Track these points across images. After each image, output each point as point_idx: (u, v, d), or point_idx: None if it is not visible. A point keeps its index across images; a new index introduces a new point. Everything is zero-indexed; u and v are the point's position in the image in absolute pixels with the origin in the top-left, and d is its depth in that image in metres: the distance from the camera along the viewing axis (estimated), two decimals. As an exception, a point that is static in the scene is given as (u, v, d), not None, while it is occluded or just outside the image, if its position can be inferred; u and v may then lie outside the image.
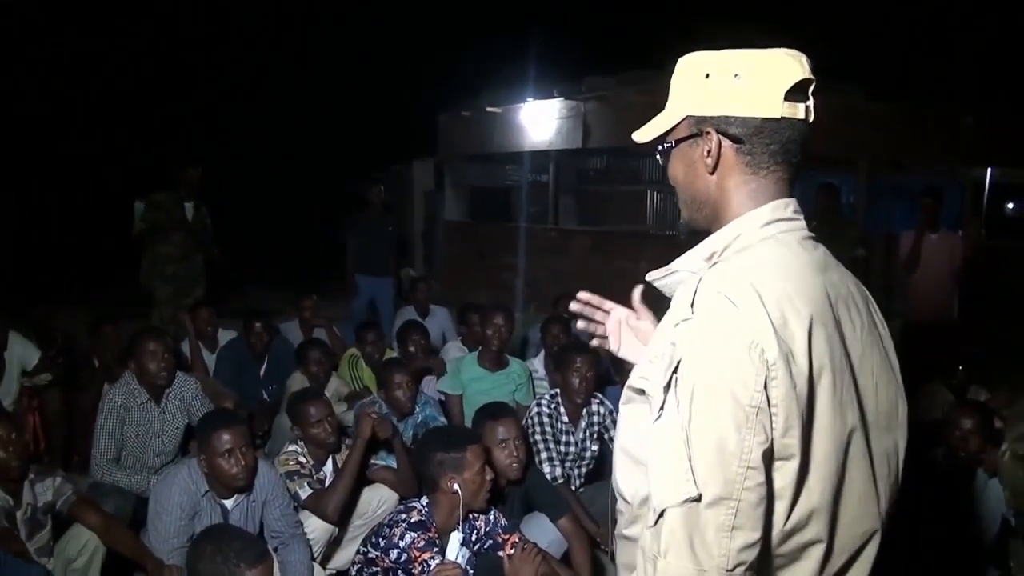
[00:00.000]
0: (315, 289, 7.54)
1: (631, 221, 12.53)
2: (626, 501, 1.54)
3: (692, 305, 1.36)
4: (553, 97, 11.91)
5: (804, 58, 1.46)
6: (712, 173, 1.51)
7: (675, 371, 1.32)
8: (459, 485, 3.20)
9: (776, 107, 1.44)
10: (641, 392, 1.46)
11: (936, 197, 7.18)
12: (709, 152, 1.49)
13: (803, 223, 1.51)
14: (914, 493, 4.02)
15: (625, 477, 1.55)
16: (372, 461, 4.21)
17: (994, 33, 13.35)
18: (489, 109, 13.20)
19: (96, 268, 7.77)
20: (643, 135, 1.60)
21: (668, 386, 1.32)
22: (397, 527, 3.13)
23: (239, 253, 14.55)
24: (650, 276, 1.60)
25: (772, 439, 1.30)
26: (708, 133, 1.48)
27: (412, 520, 3.15)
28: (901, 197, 14.21)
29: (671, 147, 1.56)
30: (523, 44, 13.80)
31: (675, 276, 1.54)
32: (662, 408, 1.33)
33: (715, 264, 1.47)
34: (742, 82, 1.45)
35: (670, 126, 1.55)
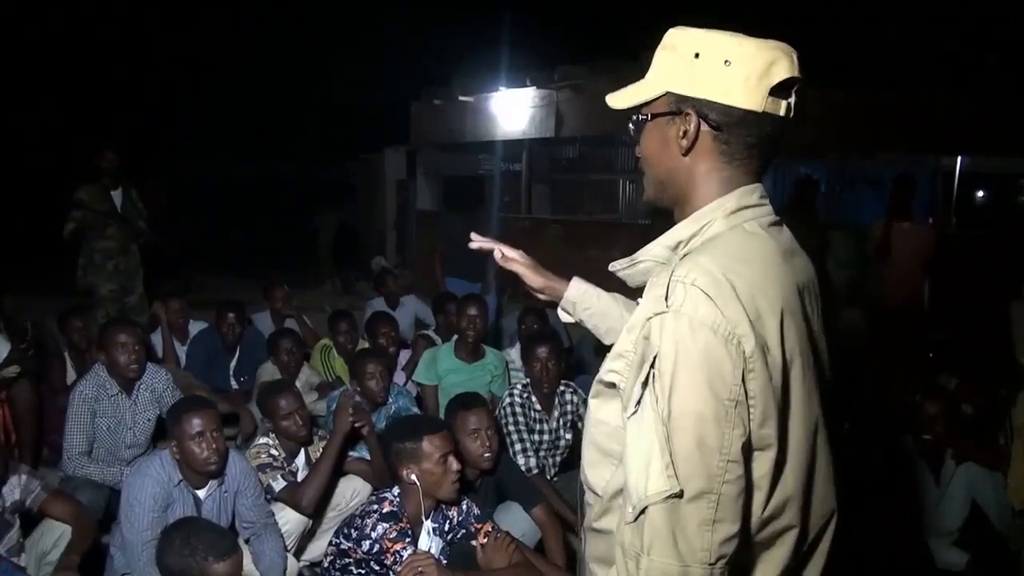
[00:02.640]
0: (287, 278, 7.48)
1: (604, 210, 12.56)
2: (596, 494, 1.55)
3: (667, 299, 1.34)
4: (526, 86, 11.90)
5: (795, 55, 1.45)
6: (685, 155, 1.49)
7: (652, 366, 1.31)
8: (416, 476, 3.19)
9: (760, 101, 1.42)
10: (611, 386, 1.46)
11: (906, 185, 7.24)
12: (685, 133, 1.46)
13: (769, 207, 1.52)
14: (883, 478, 4.08)
15: (595, 470, 1.55)
16: (348, 453, 4.19)
17: (965, 21, 13.45)
18: (461, 98, 13.17)
19: (60, 256, 7.63)
20: (620, 100, 1.56)
21: (646, 382, 1.31)
22: (369, 518, 3.12)
23: (208, 243, 14.50)
24: (614, 266, 1.60)
25: (750, 431, 1.32)
26: (688, 114, 1.45)
27: (384, 511, 3.14)
28: (872, 186, 14.31)
29: (646, 119, 1.53)
30: (495, 32, 13.77)
31: (641, 266, 1.54)
32: (639, 403, 1.32)
33: (684, 254, 1.46)
34: (731, 70, 1.42)
35: (650, 97, 1.51)
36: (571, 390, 4.75)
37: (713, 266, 1.36)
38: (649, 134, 1.53)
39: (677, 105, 1.47)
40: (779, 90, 1.43)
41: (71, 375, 5.52)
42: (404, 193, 15.30)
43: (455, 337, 5.44)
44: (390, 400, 4.76)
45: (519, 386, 4.69)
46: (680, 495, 1.27)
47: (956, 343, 7.04)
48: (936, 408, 4.05)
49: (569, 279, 2.08)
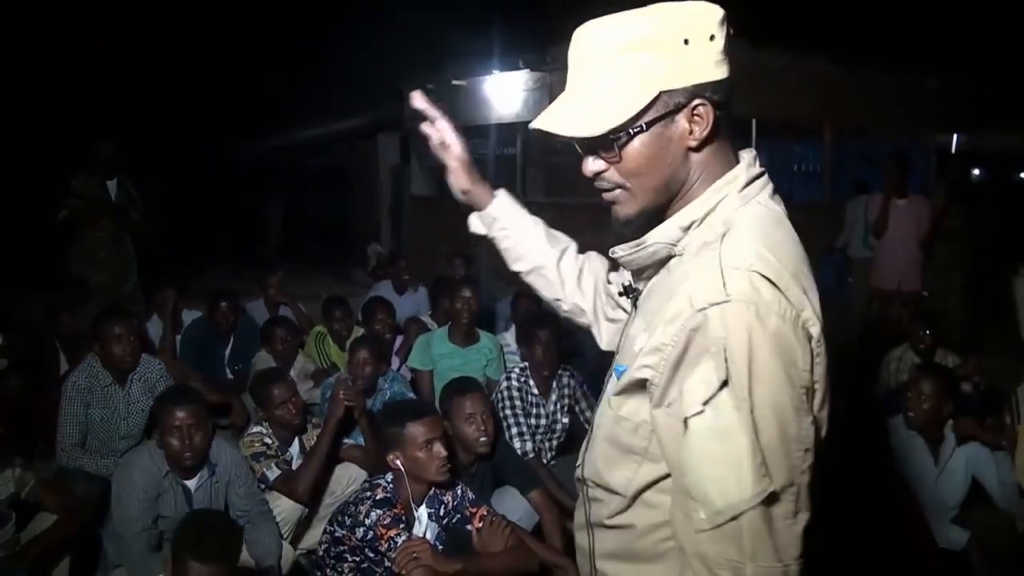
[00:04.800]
0: (281, 266, 7.44)
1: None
2: (614, 492, 1.48)
3: (725, 287, 1.26)
4: (519, 69, 11.82)
5: None
6: (698, 149, 1.39)
7: (726, 361, 1.23)
8: (400, 461, 3.17)
9: (728, 63, 1.37)
10: (641, 383, 1.38)
11: (901, 160, 7.18)
12: (696, 128, 1.35)
13: (767, 176, 1.46)
14: (881, 455, 4.06)
15: (614, 468, 1.48)
16: (344, 440, 4.17)
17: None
18: (454, 82, 13.08)
19: (55, 246, 7.59)
20: (596, 125, 1.35)
21: (725, 382, 1.23)
22: (362, 505, 3.09)
23: (200, 231, 14.43)
24: (616, 252, 1.51)
25: (814, 417, 1.29)
26: (700, 105, 1.34)
27: (377, 497, 3.11)
28: (867, 163, 14.26)
29: (639, 131, 1.35)
30: (487, 15, 13.66)
31: (649, 249, 1.44)
32: (706, 403, 1.24)
33: (695, 232, 1.39)
34: (715, 43, 1.34)
35: (641, 107, 1.33)
36: (568, 374, 4.72)
37: (763, 249, 1.31)
38: (641, 145, 1.37)
39: (675, 102, 1.34)
40: None
41: (64, 366, 5.49)
42: (398, 179, 15.23)
43: (449, 322, 5.41)
44: (384, 386, 4.73)
45: (516, 370, 4.66)
46: (772, 493, 1.23)
47: (954, 319, 7.04)
48: (932, 386, 4.02)
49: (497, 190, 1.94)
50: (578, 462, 1.62)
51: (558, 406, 4.63)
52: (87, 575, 3.75)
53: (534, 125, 1.41)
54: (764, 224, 1.37)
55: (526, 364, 4.66)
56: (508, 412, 4.43)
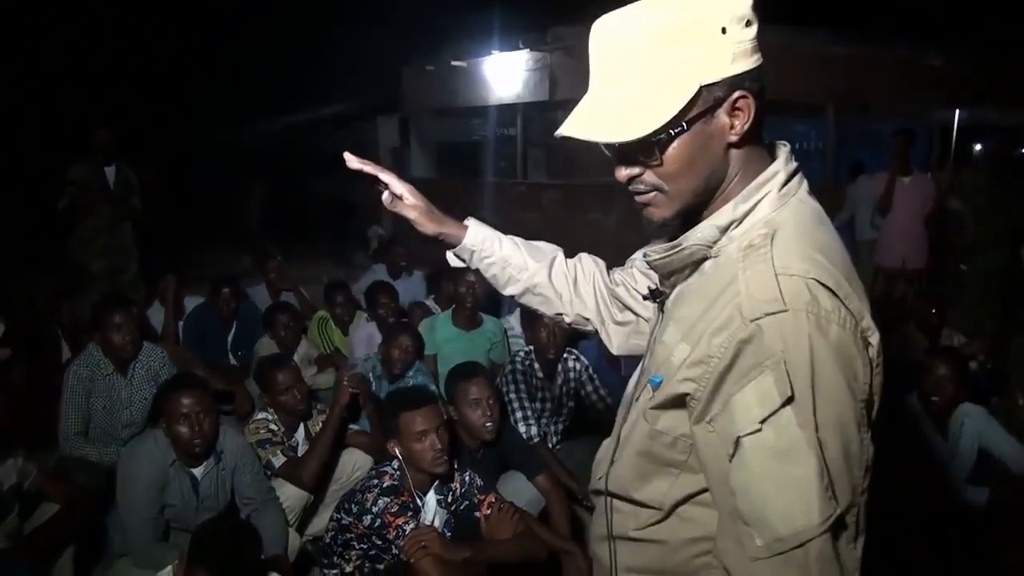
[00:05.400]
0: (285, 250, 7.40)
1: (600, 173, 12.43)
2: (647, 506, 1.41)
3: (782, 296, 1.17)
4: (518, 49, 11.74)
5: None
6: (739, 145, 1.29)
7: (788, 374, 1.15)
8: (398, 451, 3.15)
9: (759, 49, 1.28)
10: (680, 398, 1.29)
11: (906, 137, 7.14)
12: (737, 121, 1.26)
13: (800, 166, 1.37)
14: (890, 435, 4.02)
15: (647, 481, 1.40)
16: (350, 426, 4.14)
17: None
18: (453, 63, 13.01)
19: (56, 233, 7.58)
20: (633, 129, 1.24)
21: (791, 398, 1.15)
22: (370, 492, 3.07)
23: (204, 215, 14.37)
24: (651, 256, 1.41)
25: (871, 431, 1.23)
26: (742, 97, 1.24)
27: (384, 485, 3.08)
28: (870, 141, 14.20)
29: (681, 130, 1.25)
30: (486, -5, 13.58)
31: (685, 252, 1.34)
32: (765, 420, 1.16)
33: (735, 231, 1.30)
34: (750, 29, 1.24)
35: (682, 105, 1.22)
36: (574, 357, 4.69)
37: (816, 253, 1.23)
38: (682, 145, 1.26)
39: (714, 96, 1.24)
40: None
41: (66, 354, 5.46)
42: (398, 161, 15.18)
43: (453, 306, 5.37)
44: (408, 375, 4.67)
45: (521, 353, 4.63)
46: (840, 516, 1.17)
47: (956, 297, 7.00)
48: (945, 368, 3.99)
49: (462, 220, 1.84)
50: (598, 475, 1.54)
51: (563, 389, 4.60)
52: (91, 564, 3.73)
53: (564, 132, 1.30)
54: (810, 224, 1.30)
55: (531, 348, 4.63)
56: (513, 396, 4.41)
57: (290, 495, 3.74)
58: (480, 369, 3.91)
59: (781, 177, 1.32)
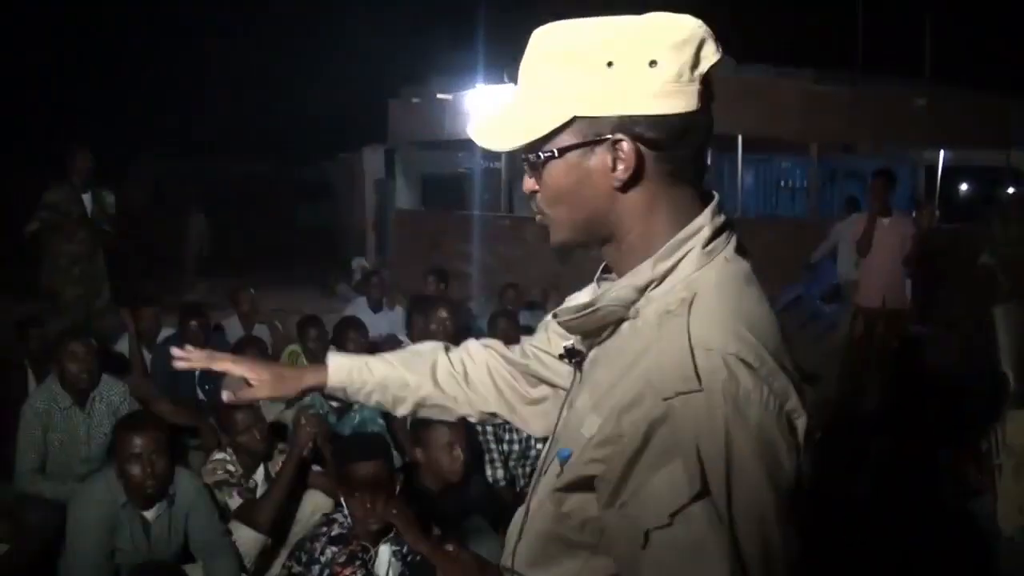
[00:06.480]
0: (266, 277, 7.31)
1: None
2: None
3: (697, 373, 1.05)
4: (504, 82, 11.77)
5: (707, 28, 1.17)
6: (624, 190, 1.18)
7: (700, 463, 1.03)
8: (344, 502, 3.06)
9: (696, 97, 1.14)
10: (588, 480, 1.16)
11: (886, 178, 7.13)
12: (620, 166, 1.16)
13: (729, 221, 1.25)
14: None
15: (553, 564, 1.28)
16: (313, 467, 4.03)
17: (946, 13, 13.39)
18: (439, 95, 13.06)
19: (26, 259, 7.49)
20: (502, 139, 1.23)
21: (702, 492, 1.02)
22: (318, 541, 2.97)
23: (184, 242, 14.30)
24: (561, 316, 1.30)
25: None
26: (619, 141, 1.14)
27: (332, 533, 2.98)
28: (853, 180, 14.25)
29: (551, 156, 1.18)
30: (472, 29, 13.64)
31: (599, 313, 1.23)
32: (676, 514, 1.03)
33: (655, 292, 1.19)
34: (659, 70, 1.11)
35: (549, 129, 1.17)
36: (543, 397, 4.60)
37: (737, 323, 1.11)
38: (557, 172, 1.20)
39: (594, 132, 1.15)
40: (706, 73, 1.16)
41: (32, 383, 5.35)
42: (383, 192, 15.17)
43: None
44: (354, 409, 4.59)
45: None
46: None
47: (936, 339, 6.95)
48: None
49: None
50: (507, 550, 1.40)
51: (532, 431, 4.50)
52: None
53: (469, 129, 1.27)
54: (734, 288, 1.18)
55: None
56: (480, 438, 4.31)
57: (246, 538, 3.62)
58: (453, 412, 3.81)
59: (705, 233, 1.19)
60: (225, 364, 1.65)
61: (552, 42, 1.20)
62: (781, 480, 1.05)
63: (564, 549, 1.25)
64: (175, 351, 1.69)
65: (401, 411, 1.72)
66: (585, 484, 1.17)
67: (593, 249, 1.29)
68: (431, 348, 1.75)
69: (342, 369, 1.68)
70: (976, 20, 14.62)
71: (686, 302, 1.13)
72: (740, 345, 1.08)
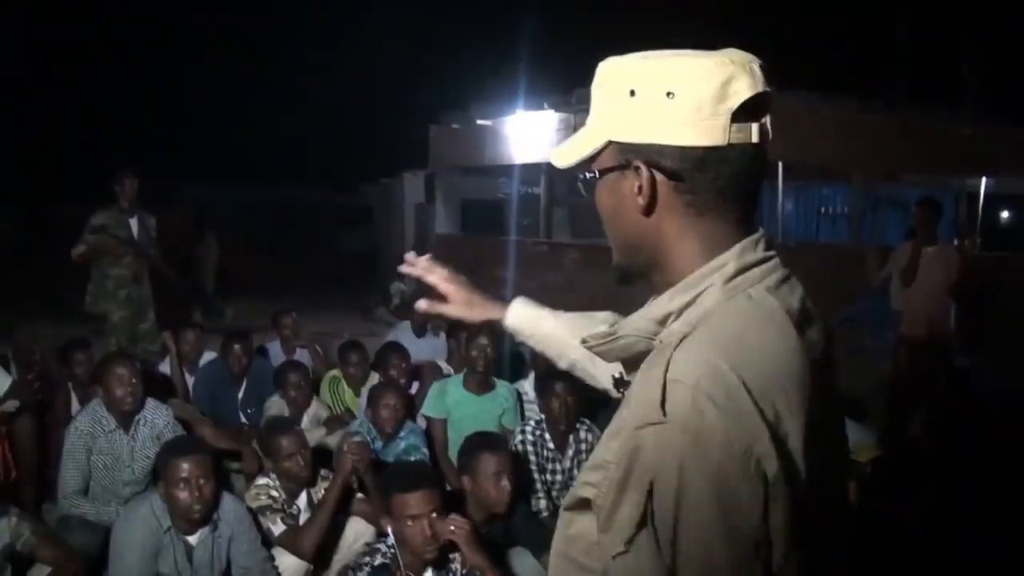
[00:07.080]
0: (310, 303, 7.35)
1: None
2: None
3: (663, 405, 1.04)
4: (544, 109, 11.82)
5: (756, 64, 1.17)
6: (647, 215, 1.20)
7: (649, 495, 1.02)
8: (390, 529, 3.05)
9: (722, 132, 1.13)
10: (586, 502, 1.16)
11: (931, 208, 7.03)
12: (640, 190, 1.18)
13: (776, 261, 1.22)
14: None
15: None
16: (357, 494, 4.03)
17: (991, 43, 13.28)
18: (480, 122, 13.12)
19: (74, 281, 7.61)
20: (562, 156, 1.30)
21: (643, 521, 1.03)
22: (360, 572, 2.95)
23: (231, 267, 14.45)
24: (588, 341, 1.30)
25: (771, 566, 1.04)
26: (637, 167, 1.17)
27: (375, 563, 2.96)
28: (895, 208, 14.10)
29: (595, 178, 1.26)
30: (513, 56, 13.74)
31: (621, 342, 1.23)
32: (630, 542, 1.04)
33: (674, 325, 1.17)
34: (677, 102, 1.13)
35: (591, 151, 1.24)
36: (586, 427, 4.56)
37: (719, 359, 1.06)
38: (601, 193, 1.26)
39: (624, 156, 1.19)
40: (744, 112, 1.14)
41: (76, 407, 5.40)
42: (423, 217, 15.24)
43: (465, 369, 5.28)
44: (400, 436, 4.59)
45: (532, 422, 4.52)
46: None
47: (981, 370, 6.83)
48: None
49: (509, 301, 1.86)
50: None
51: (575, 461, 4.47)
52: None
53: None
54: (738, 324, 1.13)
55: (543, 416, 4.52)
56: (524, 466, 4.29)
57: (289, 565, 3.63)
58: (502, 442, 3.81)
59: (729, 270, 1.17)
60: (438, 278, 1.86)
61: (600, 70, 1.25)
62: (740, 525, 1.00)
63: (578, 572, 1.23)
64: (408, 256, 1.91)
65: (561, 365, 1.85)
66: (581, 504, 1.17)
67: (644, 278, 1.30)
68: (604, 317, 1.81)
69: (519, 315, 1.84)
70: (1018, 48, 14.47)
71: (682, 336, 1.12)
72: (709, 379, 1.04)
